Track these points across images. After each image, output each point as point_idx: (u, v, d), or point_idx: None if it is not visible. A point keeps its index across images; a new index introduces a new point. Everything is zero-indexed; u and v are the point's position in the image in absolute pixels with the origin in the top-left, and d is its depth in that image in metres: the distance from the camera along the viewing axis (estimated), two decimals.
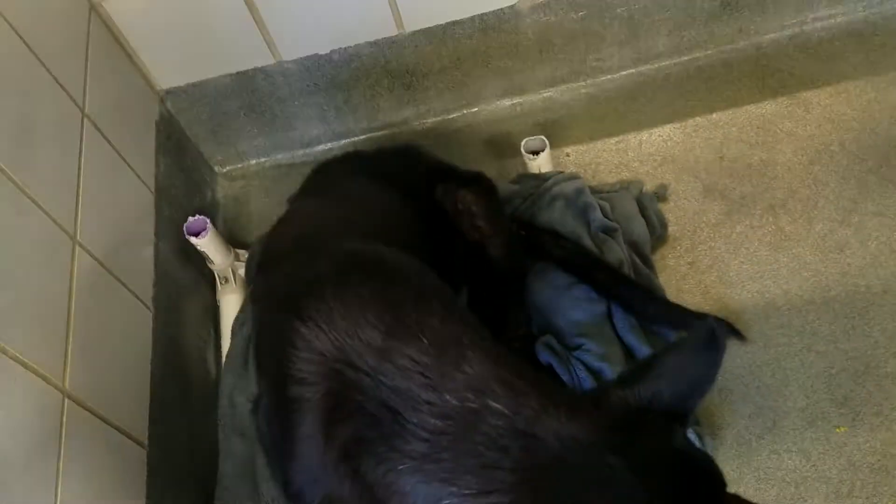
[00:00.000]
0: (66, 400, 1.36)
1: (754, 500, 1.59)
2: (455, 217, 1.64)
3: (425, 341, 0.99)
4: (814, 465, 1.64)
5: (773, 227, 1.92)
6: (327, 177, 1.74)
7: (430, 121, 2.19)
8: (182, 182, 2.05)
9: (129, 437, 1.53)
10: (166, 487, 1.61)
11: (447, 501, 0.92)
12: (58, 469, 1.30)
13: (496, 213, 1.70)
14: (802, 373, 1.74)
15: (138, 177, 1.84)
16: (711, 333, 0.98)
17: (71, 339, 1.41)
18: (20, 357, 1.26)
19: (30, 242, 1.37)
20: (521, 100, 2.19)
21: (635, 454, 0.88)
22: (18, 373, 1.26)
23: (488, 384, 0.95)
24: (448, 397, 0.94)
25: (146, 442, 1.58)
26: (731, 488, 1.62)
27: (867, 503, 1.59)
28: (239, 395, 1.83)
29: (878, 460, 1.62)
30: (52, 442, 1.31)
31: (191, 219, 1.92)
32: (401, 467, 0.95)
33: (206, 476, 1.78)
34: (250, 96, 2.10)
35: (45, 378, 1.31)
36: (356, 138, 2.21)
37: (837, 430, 1.67)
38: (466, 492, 0.90)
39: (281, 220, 1.61)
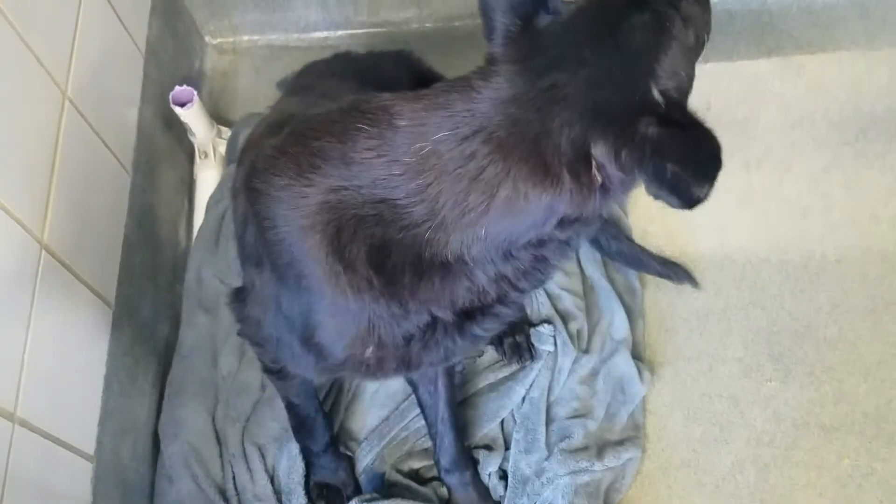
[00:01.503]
0: (43, 251, 1.38)
1: (681, 437, 1.71)
2: None
3: (366, 128, 1.03)
4: (741, 412, 1.75)
5: (744, 183, 1.98)
6: (316, 76, 1.71)
7: (433, 25, 2.17)
8: (172, 48, 2.02)
9: (97, 294, 1.56)
10: (128, 347, 1.66)
11: (484, 229, 0.99)
12: (29, 315, 1.35)
13: None
14: (745, 325, 1.83)
15: (130, 36, 1.81)
16: None
17: (52, 193, 1.42)
18: (3, 203, 1.27)
19: (23, 91, 1.37)
20: None
21: None
22: (0, 218, 1.27)
23: (424, 124, 1.00)
24: (407, 158, 0.99)
25: (113, 302, 1.62)
26: (661, 423, 1.74)
27: (784, 454, 1.71)
28: (206, 271, 1.87)
29: (802, 416, 1.74)
30: (26, 287, 1.34)
31: (178, 88, 1.91)
32: (427, 235, 1.01)
33: (166, 342, 1.83)
34: None
35: (24, 227, 1.33)
36: (354, 31, 2.18)
37: (769, 383, 1.78)
38: (480, 208, 0.98)
39: (262, 120, 1.57)
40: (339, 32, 2.19)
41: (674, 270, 1.84)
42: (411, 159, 0.99)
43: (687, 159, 0.92)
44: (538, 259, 1.07)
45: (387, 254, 1.03)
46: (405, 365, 1.19)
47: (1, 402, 1.26)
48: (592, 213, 1.01)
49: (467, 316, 1.12)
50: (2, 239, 1.28)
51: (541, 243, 1.04)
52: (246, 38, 2.24)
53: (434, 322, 1.12)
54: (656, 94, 0.97)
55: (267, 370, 1.47)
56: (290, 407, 1.61)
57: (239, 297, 1.34)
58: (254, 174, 1.13)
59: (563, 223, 1.00)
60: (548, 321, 1.76)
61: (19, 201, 1.31)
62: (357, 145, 1.02)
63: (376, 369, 1.20)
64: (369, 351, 1.15)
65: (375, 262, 1.04)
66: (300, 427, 1.63)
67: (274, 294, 1.19)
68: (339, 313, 1.11)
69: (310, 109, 1.24)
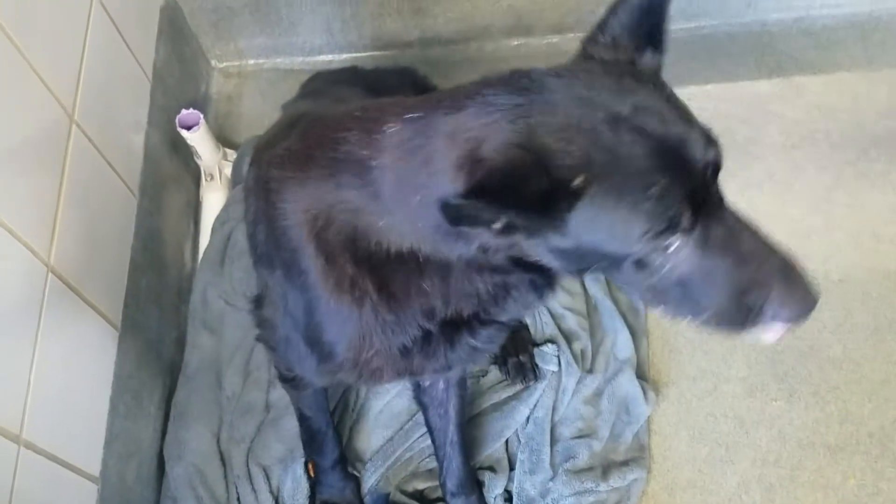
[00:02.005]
0: (50, 274, 1.39)
1: (687, 457, 1.71)
2: None
3: (356, 129, 1.03)
4: (746, 432, 1.75)
5: (746, 204, 1.92)
6: (324, 82, 1.75)
7: (435, 49, 2.20)
8: (179, 72, 2.04)
9: (104, 317, 1.57)
10: (133, 369, 1.66)
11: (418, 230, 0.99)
12: (36, 337, 1.35)
13: None
14: (749, 345, 1.83)
15: (137, 62, 1.83)
16: None
17: (59, 216, 1.43)
18: (9, 226, 1.29)
19: (30, 115, 1.38)
20: (525, 41, 2.21)
21: None
22: (6, 241, 1.29)
23: (403, 128, 0.99)
24: (385, 158, 0.98)
25: (119, 324, 1.63)
26: (666, 443, 1.74)
27: (790, 474, 1.70)
28: (212, 292, 1.88)
29: (807, 436, 1.73)
30: (32, 310, 1.35)
31: (184, 111, 1.93)
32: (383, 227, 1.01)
33: (172, 364, 1.84)
34: None
35: (31, 250, 1.34)
36: (358, 54, 2.21)
37: (774, 402, 1.77)
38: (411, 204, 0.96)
39: (275, 123, 1.61)
40: (344, 56, 2.22)
41: None
42: (388, 160, 0.99)
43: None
44: (501, 287, 1.07)
45: (367, 252, 1.04)
46: (408, 371, 1.20)
47: (7, 424, 1.26)
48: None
49: (455, 327, 1.13)
50: (9, 261, 1.29)
51: (497, 270, 1.02)
52: (252, 62, 2.26)
53: (428, 332, 1.13)
54: None
55: (282, 378, 1.49)
56: (303, 419, 1.63)
57: (258, 301, 1.37)
58: (263, 170, 1.16)
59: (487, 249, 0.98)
60: (551, 341, 1.77)
61: (26, 224, 1.33)
62: (348, 145, 1.03)
63: (379, 374, 1.21)
64: (369, 354, 1.16)
65: (356, 259, 1.06)
66: (311, 441, 1.64)
67: (282, 292, 1.20)
68: (334, 312, 1.12)
69: (322, 111, 1.26)
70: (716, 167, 0.95)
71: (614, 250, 0.93)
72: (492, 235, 0.93)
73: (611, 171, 0.88)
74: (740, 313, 0.97)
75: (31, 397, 1.32)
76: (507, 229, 0.91)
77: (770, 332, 1.01)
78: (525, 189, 0.86)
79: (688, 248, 0.93)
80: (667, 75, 2.29)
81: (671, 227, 0.90)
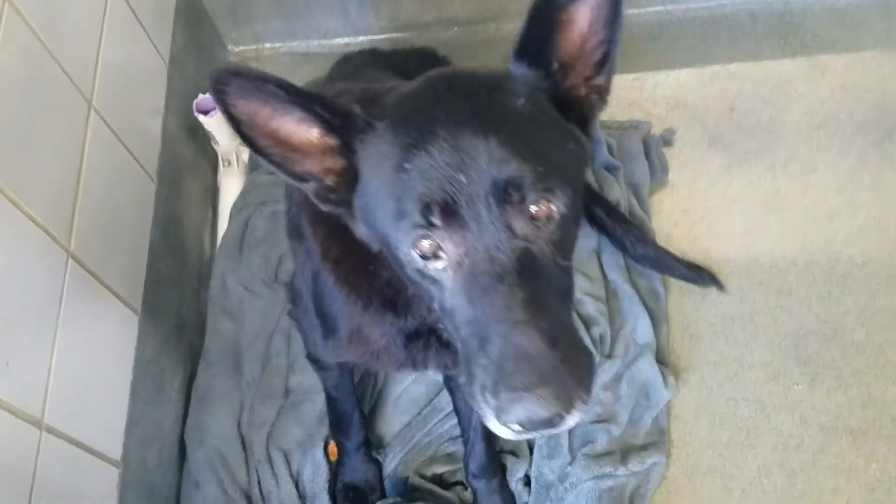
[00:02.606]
0: (70, 259, 1.40)
1: (707, 442, 1.70)
2: None
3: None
4: (767, 417, 1.74)
5: (769, 186, 1.96)
6: (353, 66, 1.75)
7: (453, 30, 2.18)
8: (196, 57, 2.04)
9: (124, 302, 1.58)
10: (154, 354, 1.67)
11: None
12: (57, 323, 1.36)
13: None
14: (772, 329, 1.82)
15: (154, 46, 1.83)
16: None
17: (78, 202, 1.44)
18: (31, 213, 1.29)
19: (48, 100, 1.38)
20: None
21: None
22: (28, 227, 1.29)
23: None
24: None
25: (139, 309, 1.63)
26: (687, 428, 1.73)
27: (812, 459, 1.69)
28: (231, 278, 1.88)
29: (829, 421, 1.72)
30: (53, 296, 1.36)
31: (201, 96, 1.92)
32: None
33: (192, 349, 1.84)
34: None
35: (51, 235, 1.35)
36: (375, 36, 2.19)
37: (796, 387, 1.76)
38: None
39: None
40: (360, 38, 2.20)
41: (699, 274, 1.82)
42: None
43: None
44: (437, 321, 1.08)
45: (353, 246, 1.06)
46: (411, 363, 1.24)
47: (29, 409, 1.27)
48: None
49: (428, 333, 1.18)
50: (29, 248, 1.30)
51: (431, 300, 0.99)
52: (268, 45, 2.26)
53: (413, 333, 1.18)
54: None
55: (309, 356, 1.53)
56: (329, 400, 1.67)
57: (293, 277, 1.44)
58: None
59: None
60: None
61: (46, 210, 1.33)
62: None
63: (384, 361, 1.25)
64: (370, 339, 1.20)
65: (331, 240, 1.14)
66: (337, 422, 1.67)
67: (302, 262, 1.27)
68: (331, 288, 1.18)
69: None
70: (504, 193, 0.87)
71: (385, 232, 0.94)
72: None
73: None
74: (486, 373, 0.86)
75: (53, 382, 1.33)
76: None
77: (502, 429, 0.86)
78: None
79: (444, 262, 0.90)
80: (687, 56, 2.27)
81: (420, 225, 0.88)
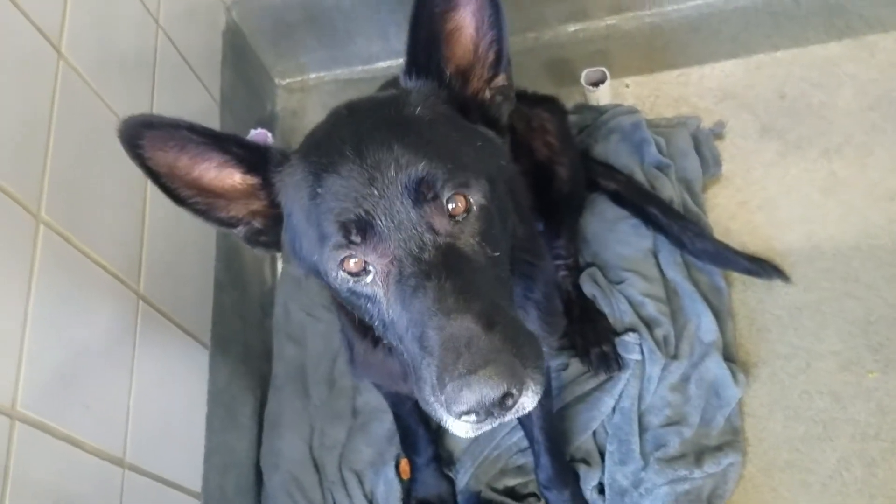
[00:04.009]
0: (140, 301, 1.45)
1: (783, 437, 1.67)
2: (526, 134, 1.69)
3: None
4: (843, 407, 1.69)
5: (826, 171, 1.92)
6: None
7: None
8: (244, 93, 2.10)
9: (193, 337, 1.63)
10: (225, 385, 1.72)
11: None
12: (132, 362, 1.42)
13: (568, 134, 1.77)
14: (841, 317, 1.77)
15: (204, 86, 1.89)
16: None
17: (145, 245, 1.50)
18: (100, 260, 1.35)
19: (108, 152, 1.43)
20: (583, 26, 2.18)
21: None
22: (98, 274, 1.35)
23: None
24: None
25: (209, 342, 1.68)
26: (761, 424, 1.70)
27: (892, 447, 1.64)
28: (293, 304, 1.92)
29: None
30: (127, 337, 1.42)
31: (252, 131, 1.98)
32: None
33: (261, 376, 1.89)
34: (313, 8, 2.11)
35: (121, 280, 1.40)
36: None
37: (870, 374, 1.71)
38: None
39: None
40: (401, 61, 2.22)
41: (761, 266, 1.79)
42: None
43: None
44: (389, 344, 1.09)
45: None
46: None
47: (110, 449, 1.32)
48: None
49: None
50: (101, 293, 1.35)
51: (373, 319, 1.01)
52: (313, 75, 2.31)
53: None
54: None
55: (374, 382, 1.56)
56: (396, 418, 1.70)
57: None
58: None
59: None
60: (632, 329, 1.74)
61: (114, 256, 1.39)
62: None
63: (402, 385, 1.30)
64: (385, 367, 1.26)
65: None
66: (405, 438, 1.70)
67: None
68: (342, 315, 1.29)
69: None
70: (417, 193, 0.89)
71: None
72: None
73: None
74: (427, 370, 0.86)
75: (132, 421, 1.39)
76: None
77: (457, 424, 0.85)
78: None
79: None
80: (731, 47, 2.22)
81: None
